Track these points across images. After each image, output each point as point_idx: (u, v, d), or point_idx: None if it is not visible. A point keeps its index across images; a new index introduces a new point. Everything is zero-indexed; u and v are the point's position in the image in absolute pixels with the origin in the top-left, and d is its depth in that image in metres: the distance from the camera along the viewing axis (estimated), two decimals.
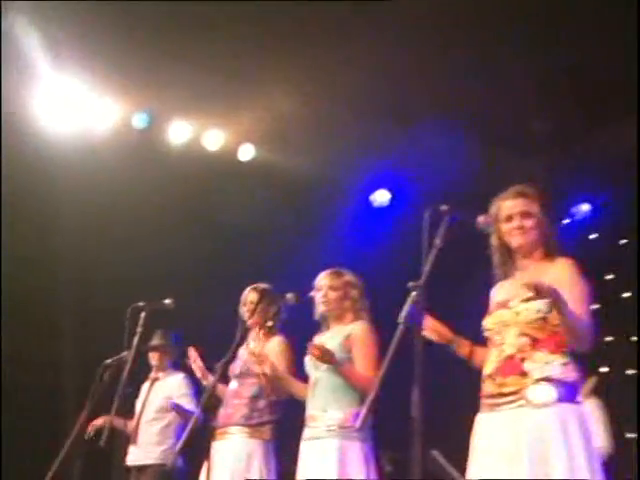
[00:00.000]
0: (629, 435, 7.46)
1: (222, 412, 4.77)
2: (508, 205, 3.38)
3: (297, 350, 4.62)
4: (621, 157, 6.85)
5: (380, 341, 4.24)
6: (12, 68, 6.44)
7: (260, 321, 4.93)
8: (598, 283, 3.44)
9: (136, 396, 6.06)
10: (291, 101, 6.87)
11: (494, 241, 3.42)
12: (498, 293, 3.42)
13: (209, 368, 4.71)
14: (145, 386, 6.14)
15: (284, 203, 7.72)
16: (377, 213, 8.34)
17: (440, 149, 7.02)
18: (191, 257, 7.58)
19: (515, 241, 3.36)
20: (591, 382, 6.44)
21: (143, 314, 4.83)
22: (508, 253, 3.40)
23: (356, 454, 4.12)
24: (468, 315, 3.58)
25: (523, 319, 3.22)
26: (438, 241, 3.03)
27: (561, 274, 3.24)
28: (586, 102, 6.48)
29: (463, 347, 3.45)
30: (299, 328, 4.61)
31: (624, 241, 7.96)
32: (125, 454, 5.71)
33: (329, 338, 4.36)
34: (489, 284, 3.47)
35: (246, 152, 7.75)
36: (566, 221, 7.99)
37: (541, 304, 3.17)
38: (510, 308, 3.26)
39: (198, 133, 7.58)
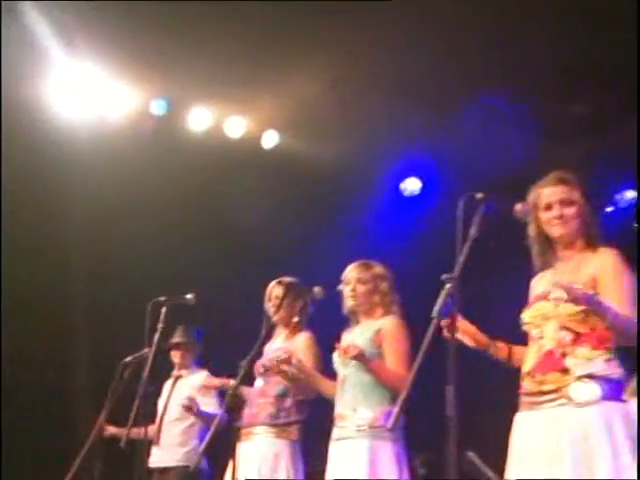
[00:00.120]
0: None
1: (247, 412, 4.78)
2: (547, 192, 3.36)
3: (325, 346, 4.62)
4: None
5: (412, 336, 4.23)
6: (24, 54, 6.47)
7: (286, 317, 4.94)
8: None
9: (158, 395, 6.08)
10: (316, 85, 6.86)
11: (533, 231, 3.39)
12: (538, 285, 3.40)
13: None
14: (167, 384, 6.16)
15: (309, 192, 7.71)
16: (407, 202, 8.32)
17: (474, 134, 6.99)
18: (212, 250, 7.60)
19: (555, 231, 3.33)
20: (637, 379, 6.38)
21: (164, 309, 4.86)
22: (548, 243, 3.38)
23: (387, 455, 4.12)
24: (506, 309, 3.56)
25: (563, 312, 3.19)
26: (473, 231, 3.01)
27: (604, 265, 3.21)
28: (629, 85, 6.41)
29: (501, 350, 3.43)
30: (327, 323, 4.61)
31: None
32: (147, 455, 5.72)
33: (358, 334, 4.36)
34: (528, 276, 3.45)
35: (270, 139, 7.75)
36: (609, 209, 7.92)
37: None
38: (550, 300, 3.24)
39: (219, 120, 7.58)
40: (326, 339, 4.58)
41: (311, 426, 4.85)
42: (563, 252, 3.35)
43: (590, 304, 3.01)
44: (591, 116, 6.98)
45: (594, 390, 3.10)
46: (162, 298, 4.91)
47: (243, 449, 4.53)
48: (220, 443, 4.11)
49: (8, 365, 7.22)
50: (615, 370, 3.17)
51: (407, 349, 4.24)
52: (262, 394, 4.85)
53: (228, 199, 7.52)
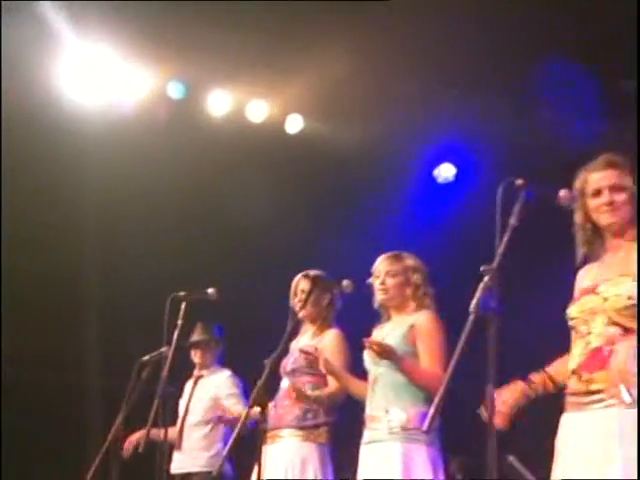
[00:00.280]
0: None
1: (273, 413, 4.79)
2: (596, 177, 3.32)
3: (355, 344, 4.61)
4: None
5: (448, 332, 4.21)
6: (33, 36, 6.51)
7: (313, 312, 4.94)
8: None
9: (179, 397, 6.10)
10: (343, 66, 6.85)
11: (579, 219, 3.36)
12: (585, 277, 3.37)
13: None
14: (188, 385, 6.17)
15: (336, 180, 7.71)
16: (442, 189, 8.30)
17: (512, 116, 6.95)
18: (233, 242, 7.62)
19: (604, 219, 3.30)
20: None
21: (184, 305, 4.87)
22: (596, 232, 3.34)
23: (422, 459, 4.11)
24: (549, 303, 3.54)
25: (612, 306, 3.16)
26: (513, 219, 2.99)
27: None
28: None
29: (541, 386, 3.39)
30: (357, 319, 4.61)
31: None
32: (168, 460, 5.73)
33: (390, 330, 4.35)
34: (574, 268, 3.42)
35: (294, 124, 7.75)
36: None
37: (634, 288, 3.11)
38: (598, 294, 3.21)
39: (240, 104, 7.60)
40: (356, 336, 4.57)
41: (340, 428, 4.85)
42: (612, 241, 3.32)
43: None
44: None
45: None
46: (182, 293, 4.93)
47: (269, 453, 4.53)
48: (245, 446, 4.12)
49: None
50: None
51: (442, 346, 4.23)
52: (288, 395, 4.85)
53: (249, 188, 7.53)
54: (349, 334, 4.87)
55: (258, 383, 3.93)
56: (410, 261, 4.42)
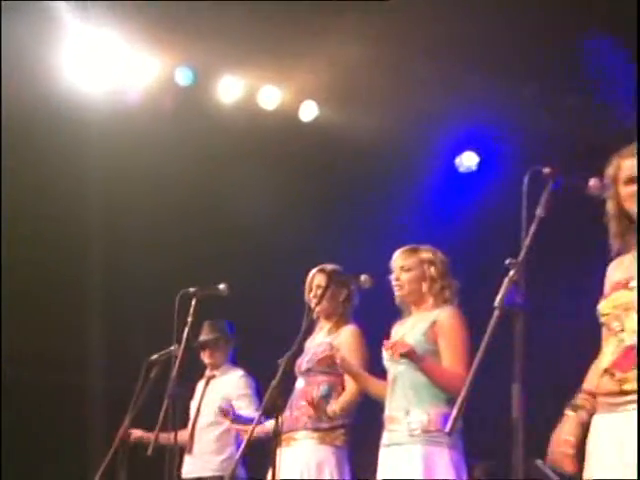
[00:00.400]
0: None
1: (287, 415, 4.79)
2: (629, 164, 3.30)
3: (373, 341, 4.61)
4: None
5: (471, 329, 4.20)
6: (35, 20, 6.52)
7: (329, 308, 4.94)
8: None
9: (190, 398, 6.11)
10: (359, 50, 6.84)
11: (611, 208, 3.34)
12: (616, 271, 3.35)
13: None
14: (200, 386, 6.18)
15: (353, 169, 7.70)
16: (464, 179, 8.28)
17: (538, 102, 6.92)
18: (243, 235, 7.62)
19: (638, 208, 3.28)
20: None
21: (194, 301, 4.88)
22: (628, 222, 3.33)
23: (444, 462, 4.11)
24: (579, 298, 3.53)
25: None
26: (540, 210, 2.98)
27: None
28: None
29: (592, 406, 3.36)
30: (376, 315, 4.61)
31: None
32: (178, 464, 5.75)
33: (410, 327, 4.35)
34: (605, 260, 3.40)
35: (308, 111, 7.75)
36: None
37: None
38: (631, 289, 3.19)
39: (251, 90, 7.60)
40: (375, 333, 4.57)
41: (358, 430, 4.86)
42: None
43: None
44: None
45: None
46: (192, 289, 4.93)
47: (284, 456, 4.52)
48: (258, 450, 4.13)
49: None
50: None
51: (465, 344, 4.22)
52: (303, 395, 4.85)
53: (261, 179, 7.53)
54: (368, 331, 4.87)
55: (272, 384, 3.93)
56: (426, 254, 4.40)
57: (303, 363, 4.90)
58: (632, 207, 3.30)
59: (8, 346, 7.29)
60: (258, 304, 7.35)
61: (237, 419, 5.59)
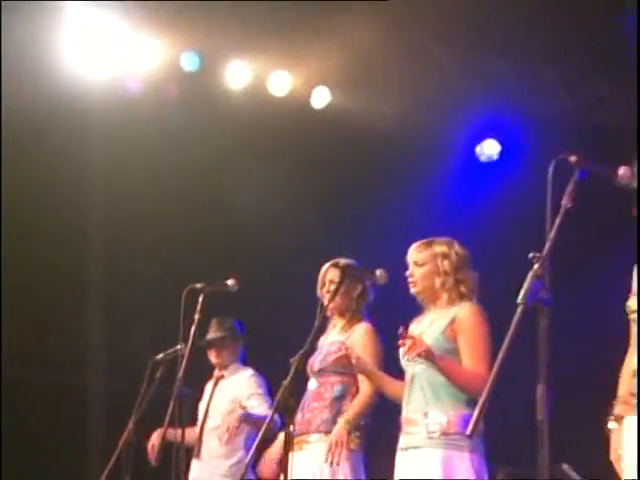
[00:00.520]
0: None
1: (299, 417, 4.79)
2: None
3: (389, 339, 4.60)
4: None
5: (492, 327, 4.19)
6: (36, 6, 6.53)
7: (342, 304, 4.94)
8: None
9: (198, 399, 6.11)
10: (373, 33, 6.82)
11: None
12: None
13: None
14: (209, 387, 6.18)
15: (368, 158, 7.69)
16: (485, 169, 8.27)
17: (563, 87, 6.90)
18: (251, 228, 7.62)
19: None
20: None
21: (201, 298, 4.88)
22: None
23: (465, 467, 4.10)
24: (606, 294, 3.52)
25: None
26: (566, 201, 2.97)
27: None
28: None
29: None
30: (392, 311, 4.59)
31: None
32: (186, 469, 5.75)
33: (428, 324, 4.33)
34: (633, 254, 3.39)
35: (320, 97, 7.74)
36: None
37: None
38: None
39: (261, 76, 7.59)
40: (391, 330, 4.55)
41: (374, 433, 4.85)
42: None
43: None
44: None
45: None
46: (199, 285, 4.94)
47: (296, 460, 4.52)
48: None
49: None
50: None
51: (486, 342, 4.19)
52: (316, 397, 4.85)
53: (271, 169, 7.53)
54: (384, 328, 4.86)
55: (283, 384, 3.93)
56: (439, 247, 4.36)
57: (315, 363, 4.90)
58: None
59: (8, 346, 7.32)
60: (268, 300, 7.35)
61: (249, 417, 5.60)
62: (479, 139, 8.29)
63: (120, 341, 7.45)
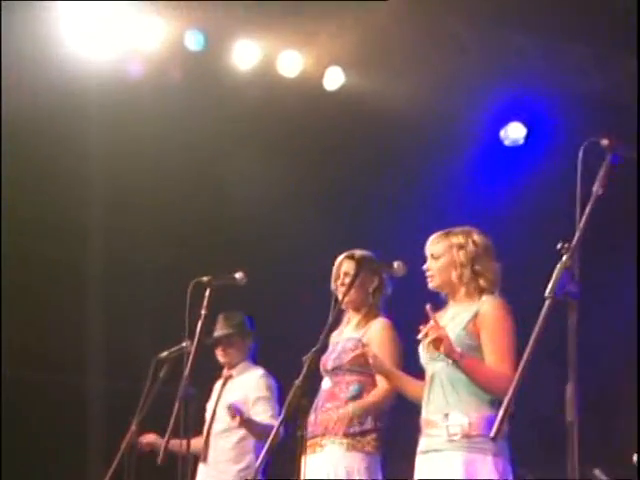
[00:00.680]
0: None
1: (312, 418, 4.80)
2: None
3: (408, 336, 4.60)
4: None
5: (517, 322, 4.18)
6: None
7: (357, 298, 4.94)
8: None
9: (206, 400, 6.11)
10: (389, 10, 6.81)
11: None
12: None
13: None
14: (217, 387, 6.17)
15: (384, 143, 7.69)
16: (510, 153, 8.25)
17: (593, 67, 6.88)
18: (260, 218, 7.62)
19: None
20: None
21: (208, 292, 4.88)
22: None
23: (487, 471, 4.10)
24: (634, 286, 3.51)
25: None
26: (597, 187, 2.96)
27: None
28: None
29: None
30: (410, 306, 4.59)
31: None
32: (192, 473, 5.75)
33: (449, 319, 4.32)
34: None
35: (333, 78, 7.73)
36: None
37: None
38: None
39: (270, 56, 7.58)
40: (410, 326, 4.54)
41: (391, 435, 4.86)
42: None
43: None
44: None
45: None
46: (205, 278, 4.93)
47: (309, 464, 4.53)
48: (281, 457, 4.13)
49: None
50: None
51: (511, 338, 4.18)
52: (330, 397, 4.86)
53: (282, 153, 7.52)
54: (402, 324, 4.86)
55: (295, 383, 3.93)
56: (456, 238, 4.33)
57: (329, 360, 4.90)
58: None
59: (8, 346, 7.37)
60: (277, 295, 7.36)
61: (248, 422, 5.59)
62: (503, 122, 8.28)
63: (120, 341, 7.48)
